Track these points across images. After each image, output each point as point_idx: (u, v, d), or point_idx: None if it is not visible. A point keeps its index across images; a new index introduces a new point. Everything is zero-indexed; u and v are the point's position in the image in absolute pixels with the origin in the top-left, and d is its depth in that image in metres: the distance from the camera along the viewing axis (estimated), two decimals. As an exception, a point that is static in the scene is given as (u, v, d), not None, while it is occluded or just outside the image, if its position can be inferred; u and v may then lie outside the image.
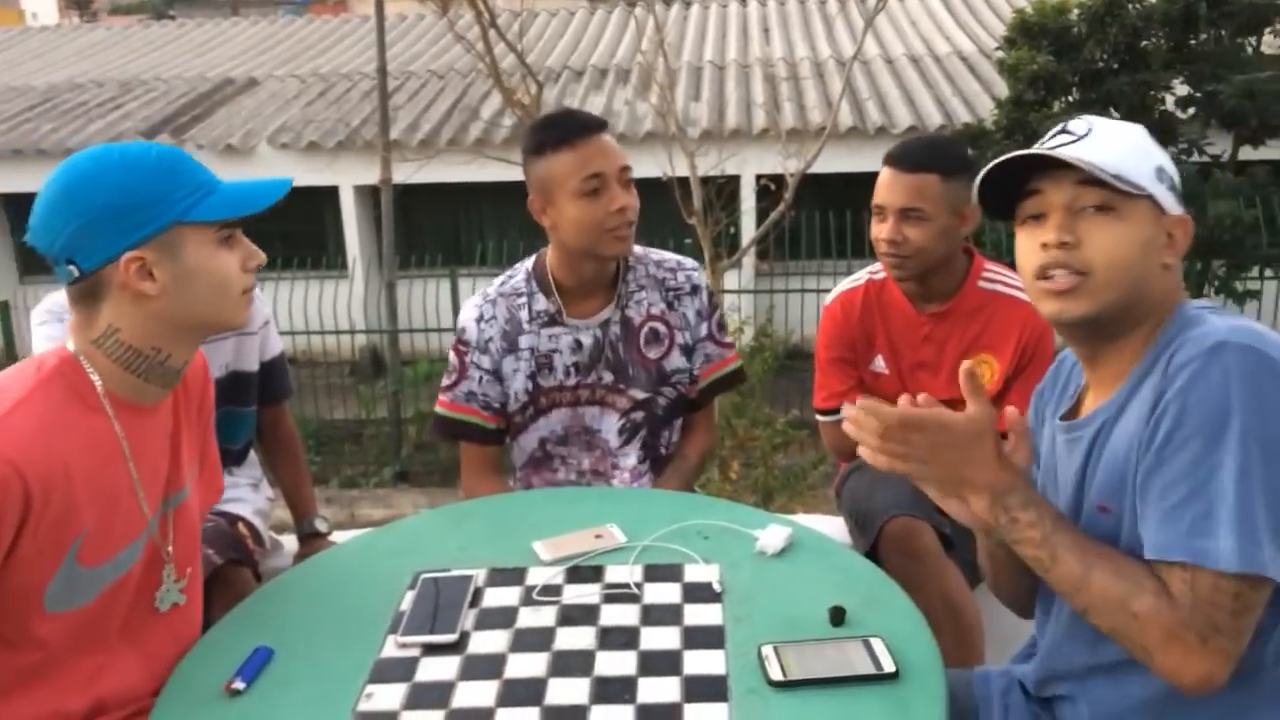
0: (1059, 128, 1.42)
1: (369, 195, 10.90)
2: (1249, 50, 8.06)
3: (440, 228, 11.01)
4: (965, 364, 1.39)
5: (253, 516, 2.36)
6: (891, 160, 2.22)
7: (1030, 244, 1.41)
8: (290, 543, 2.48)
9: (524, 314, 2.23)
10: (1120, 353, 1.40)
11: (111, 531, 1.50)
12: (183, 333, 1.53)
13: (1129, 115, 7.92)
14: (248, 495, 2.42)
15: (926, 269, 2.22)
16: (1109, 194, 1.35)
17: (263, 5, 25.76)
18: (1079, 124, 1.41)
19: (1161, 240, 1.37)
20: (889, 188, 2.21)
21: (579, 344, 2.22)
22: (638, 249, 2.28)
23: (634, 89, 9.98)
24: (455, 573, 1.69)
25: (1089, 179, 1.34)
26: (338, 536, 2.42)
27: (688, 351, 2.27)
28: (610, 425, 2.26)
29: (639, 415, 2.27)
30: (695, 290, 2.28)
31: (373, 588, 1.69)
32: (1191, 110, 8.13)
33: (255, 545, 2.29)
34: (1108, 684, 1.43)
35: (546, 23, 14.00)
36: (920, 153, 2.19)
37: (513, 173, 8.69)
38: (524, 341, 2.23)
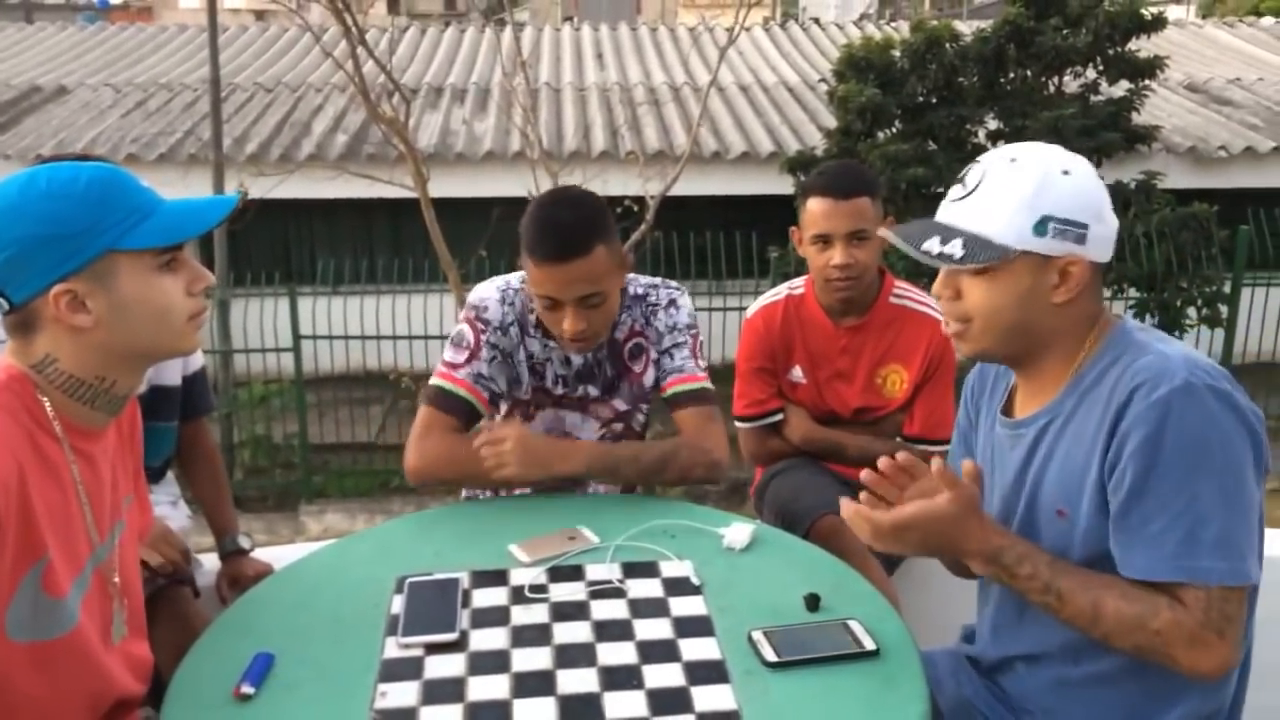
0: (963, 172, 1.54)
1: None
2: (1051, 90, 8.76)
3: (270, 246, 10.70)
4: (936, 462, 1.49)
5: (177, 534, 2.32)
6: (824, 190, 2.34)
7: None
8: (208, 561, 2.44)
9: (531, 318, 2.20)
10: (1044, 369, 1.56)
11: (69, 560, 1.45)
12: (127, 362, 1.48)
13: (946, 147, 8.53)
14: (169, 513, 2.38)
15: (866, 286, 2.38)
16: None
17: (59, 10, 24.38)
18: (974, 173, 1.52)
19: (1049, 283, 1.49)
20: (832, 216, 2.33)
21: (569, 361, 2.23)
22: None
23: (498, 108, 9.96)
24: (439, 576, 1.74)
25: None
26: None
27: (656, 366, 2.26)
28: (590, 432, 2.27)
29: (619, 426, 2.29)
30: (671, 304, 2.24)
31: (358, 593, 1.72)
32: (1001, 144, 8.78)
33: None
34: (1061, 660, 1.59)
35: (398, 39, 13.81)
36: (851, 179, 2.35)
37: (349, 189, 8.50)
38: (526, 343, 2.22)
